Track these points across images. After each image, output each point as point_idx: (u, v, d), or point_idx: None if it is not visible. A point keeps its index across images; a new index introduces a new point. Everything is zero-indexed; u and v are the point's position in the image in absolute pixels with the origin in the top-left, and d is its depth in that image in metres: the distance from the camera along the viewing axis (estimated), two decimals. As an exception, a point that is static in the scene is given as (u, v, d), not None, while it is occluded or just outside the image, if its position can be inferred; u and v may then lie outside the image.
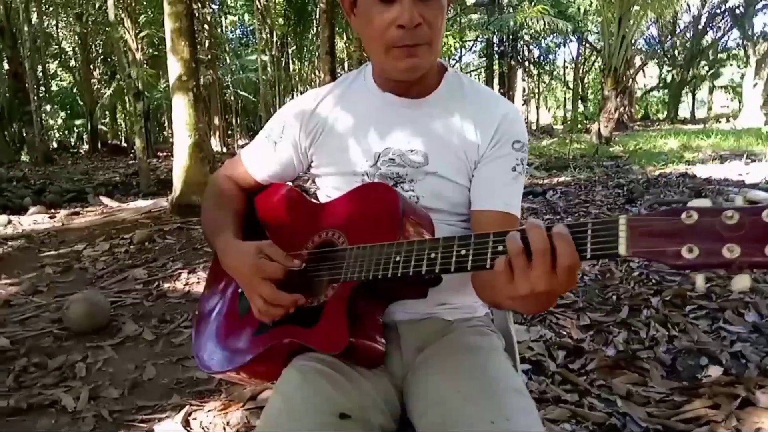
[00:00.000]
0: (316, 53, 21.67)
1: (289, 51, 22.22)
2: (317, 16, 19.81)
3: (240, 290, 1.08)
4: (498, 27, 17.92)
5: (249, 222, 1.16)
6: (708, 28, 27.31)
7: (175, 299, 3.47)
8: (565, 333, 2.62)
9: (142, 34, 12.67)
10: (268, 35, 20.29)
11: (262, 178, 1.18)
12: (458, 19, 18.83)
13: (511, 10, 18.69)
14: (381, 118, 1.07)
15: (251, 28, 26.88)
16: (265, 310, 0.94)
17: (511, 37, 21.32)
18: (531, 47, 27.51)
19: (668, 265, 0.63)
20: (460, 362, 0.95)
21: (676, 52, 29.60)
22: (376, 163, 1.06)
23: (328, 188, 1.12)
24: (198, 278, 3.86)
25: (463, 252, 0.79)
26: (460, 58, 25.33)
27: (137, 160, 9.28)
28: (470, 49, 24.83)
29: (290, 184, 1.20)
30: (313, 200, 1.12)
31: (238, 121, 24.71)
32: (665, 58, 30.37)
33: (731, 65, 33.74)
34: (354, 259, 0.91)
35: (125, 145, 21.69)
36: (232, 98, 22.07)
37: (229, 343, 1.06)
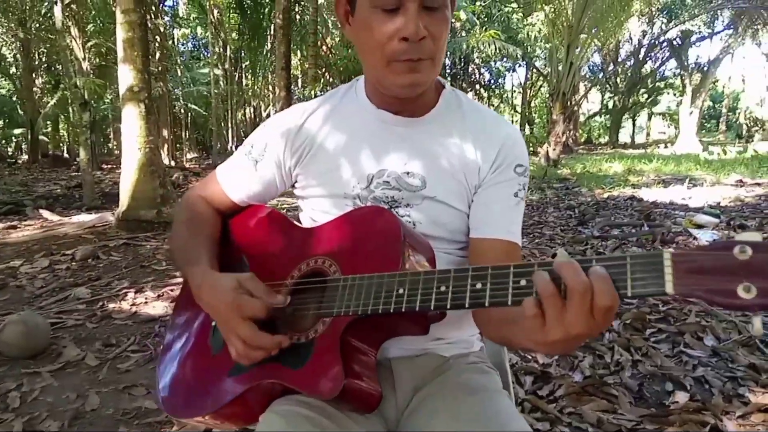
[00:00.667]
0: (271, 69, 21.52)
1: (243, 66, 21.93)
2: (272, 32, 19.72)
3: (213, 323, 0.97)
4: (451, 50, 18.21)
5: (222, 247, 1.06)
6: (647, 58, 28.56)
7: (121, 321, 3.25)
8: (530, 357, 2.59)
9: (89, 44, 12.23)
10: (221, 49, 20.02)
11: (239, 199, 1.07)
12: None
13: (464, 34, 19.05)
14: (375, 138, 0.99)
15: (203, 41, 26.52)
16: (244, 353, 0.83)
17: (463, 60, 21.71)
18: (482, 71, 28.15)
19: (722, 305, 0.57)
20: (463, 405, 0.87)
21: (617, 79, 30.83)
22: (369, 185, 0.97)
23: (315, 211, 1.02)
24: (146, 298, 3.66)
25: (479, 286, 0.71)
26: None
27: (81, 172, 8.85)
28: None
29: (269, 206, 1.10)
30: (298, 224, 1.03)
31: (188, 134, 24.13)
32: (607, 85, 31.58)
33: (668, 93, 35.47)
34: (349, 291, 0.82)
35: (68, 156, 20.80)
36: (182, 111, 21.55)
37: (199, 384, 0.94)
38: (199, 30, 25.04)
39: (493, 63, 26.08)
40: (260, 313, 0.83)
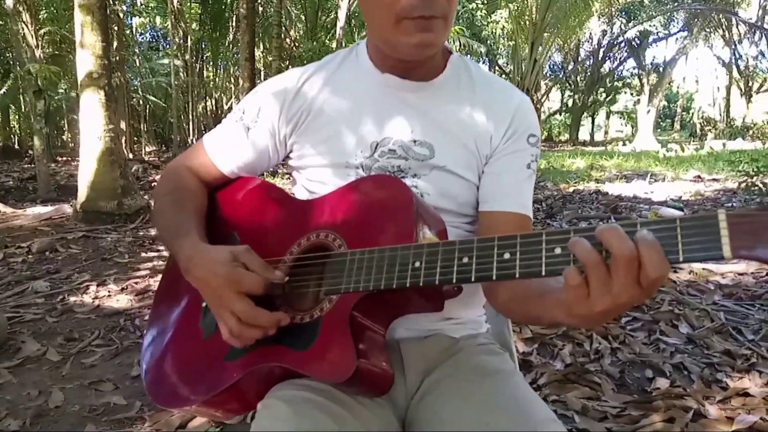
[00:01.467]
0: (233, 60, 21.11)
1: (204, 57, 21.46)
2: (234, 23, 19.34)
3: (204, 304, 0.89)
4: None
5: (210, 222, 0.97)
6: (606, 58, 29.18)
7: (83, 315, 3.10)
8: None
9: (42, 31, 11.72)
10: (182, 40, 19.53)
11: (229, 170, 0.99)
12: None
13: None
14: (379, 103, 0.92)
15: (162, 31, 25.85)
16: (238, 331, 0.75)
17: (427, 55, 21.74)
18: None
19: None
20: (479, 389, 0.82)
21: (577, 78, 31.41)
22: (373, 154, 0.91)
23: (312, 183, 0.95)
24: (109, 291, 3.50)
25: (507, 256, 0.66)
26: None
27: (35, 164, 8.49)
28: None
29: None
30: (295, 197, 0.95)
31: (146, 127, 23.47)
32: (568, 84, 32.17)
33: (626, 92, 36.31)
34: (358, 266, 0.75)
35: (19, 147, 19.98)
36: (141, 103, 20.95)
37: (191, 370, 0.86)
38: (158, 20, 24.38)
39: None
40: (257, 288, 0.75)
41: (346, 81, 0.95)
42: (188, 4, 19.30)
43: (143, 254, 4.48)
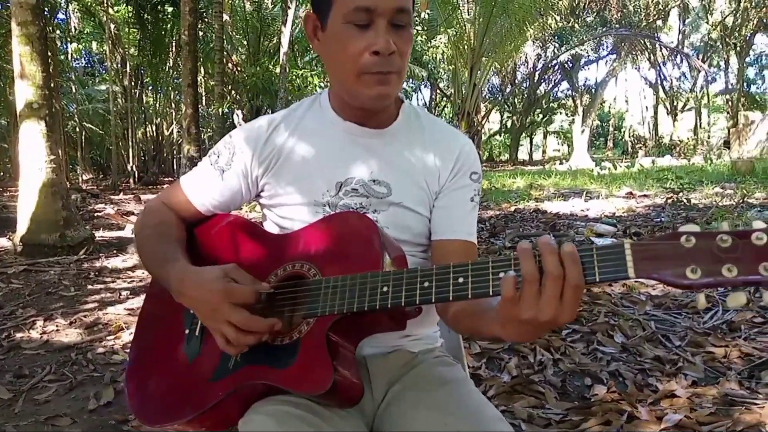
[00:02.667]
0: (172, 85, 20.84)
1: (143, 82, 21.08)
2: (174, 48, 19.15)
3: (186, 331, 0.98)
4: (359, 69, 18.46)
5: (189, 255, 1.06)
6: (542, 80, 30.42)
7: (32, 350, 3.05)
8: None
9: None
10: (120, 65, 19.16)
11: (205, 209, 1.09)
12: (321, 61, 19.15)
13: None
14: (343, 148, 1.04)
15: (99, 57, 25.26)
16: (236, 338, 0.85)
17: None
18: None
19: (674, 285, 0.68)
20: (437, 395, 0.94)
21: (515, 100, 32.56)
22: (338, 192, 1.03)
23: (283, 219, 1.06)
24: (57, 326, 3.44)
25: (461, 280, 0.79)
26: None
27: (-35, 196, 8.15)
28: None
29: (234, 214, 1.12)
30: (268, 231, 1.06)
31: (82, 154, 22.79)
32: (506, 105, 33.29)
33: (561, 113, 37.88)
34: (332, 292, 0.86)
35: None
36: (77, 130, 20.35)
37: (178, 391, 0.95)
38: (94, 45, 23.85)
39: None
40: (250, 299, 0.86)
41: (312, 128, 1.07)
42: (126, 29, 19.01)
43: (90, 287, 4.40)
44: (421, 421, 0.89)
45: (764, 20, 24.79)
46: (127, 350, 2.98)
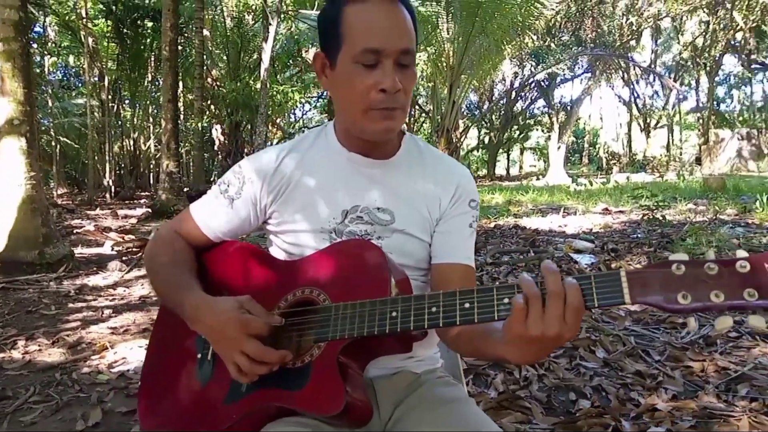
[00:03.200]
0: (150, 100, 20.73)
1: (121, 96, 20.92)
2: (152, 63, 19.09)
3: (199, 356, 1.02)
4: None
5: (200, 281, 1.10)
6: (519, 97, 30.91)
7: (14, 371, 3.01)
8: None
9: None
10: (98, 79, 19.01)
11: (215, 236, 1.13)
12: (302, 76, 19.26)
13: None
14: (349, 177, 1.10)
15: (75, 70, 25.03)
16: (249, 368, 0.89)
17: (350, 95, 22.19)
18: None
19: (666, 310, 0.74)
20: (442, 414, 0.99)
21: (492, 116, 33.01)
22: (344, 220, 1.08)
23: (290, 245, 1.11)
24: (39, 345, 3.41)
25: (467, 305, 0.84)
26: (303, 114, 25.81)
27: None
28: (314, 106, 25.40)
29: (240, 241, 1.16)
30: (278, 258, 1.10)
31: (57, 168, 22.45)
32: (483, 122, 33.72)
33: (537, 130, 38.46)
34: (343, 317, 0.91)
35: None
36: (52, 144, 20.07)
37: (193, 413, 0.98)
38: (71, 58, 23.64)
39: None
40: (264, 331, 0.90)
41: (319, 158, 1.12)
42: (105, 43, 18.91)
43: (71, 305, 4.36)
44: None
45: (732, 42, 25.60)
46: (113, 370, 2.99)
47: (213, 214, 1.13)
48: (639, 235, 6.38)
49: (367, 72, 0.98)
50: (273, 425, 0.94)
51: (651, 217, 7.16)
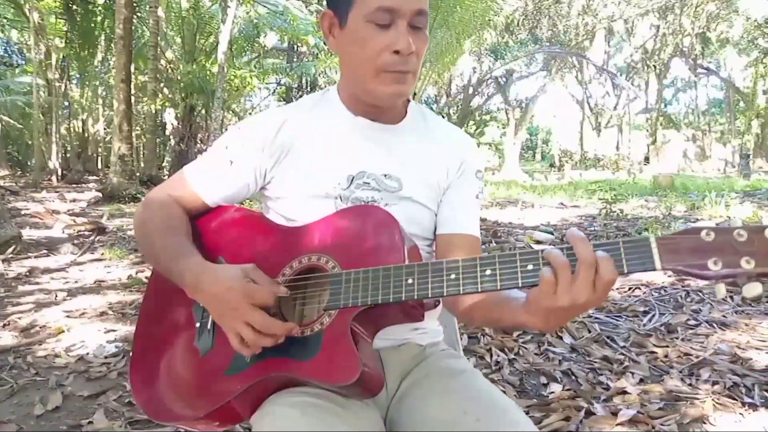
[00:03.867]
0: (99, 81, 19.96)
1: (69, 75, 20.05)
2: (102, 42, 18.34)
3: (198, 325, 0.96)
4: (299, 73, 18.37)
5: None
6: (476, 93, 31.23)
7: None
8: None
9: None
10: (43, 57, 18.15)
11: (213, 201, 1.07)
12: (260, 61, 18.90)
13: (311, 58, 19.35)
14: (355, 142, 1.06)
15: (18, 47, 23.86)
16: (253, 340, 0.84)
17: (309, 84, 21.99)
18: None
19: (698, 276, 0.74)
20: (454, 385, 0.97)
21: (450, 111, 33.27)
22: (350, 185, 1.04)
23: (291, 211, 1.05)
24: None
25: (488, 272, 0.81)
26: (262, 100, 25.33)
27: None
28: (272, 92, 24.95)
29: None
30: (279, 224, 1.05)
31: (-2, 149, 21.37)
32: (441, 116, 33.90)
33: (493, 125, 39.02)
34: (354, 284, 0.87)
35: None
36: (-7, 123, 19.12)
37: (192, 385, 0.93)
38: (14, 33, 22.49)
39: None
40: (269, 301, 0.86)
41: (323, 121, 1.07)
42: (52, 19, 18.05)
43: (21, 287, 4.16)
44: (440, 409, 0.92)
45: (680, 46, 26.56)
46: (71, 354, 2.86)
47: (211, 178, 1.06)
48: (596, 228, 6.55)
49: (379, 32, 0.94)
50: (278, 396, 0.90)
51: (609, 210, 7.35)
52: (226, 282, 0.87)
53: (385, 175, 1.05)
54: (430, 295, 0.83)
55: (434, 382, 0.98)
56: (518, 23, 25.45)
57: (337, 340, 0.86)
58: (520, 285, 0.79)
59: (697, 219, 7.13)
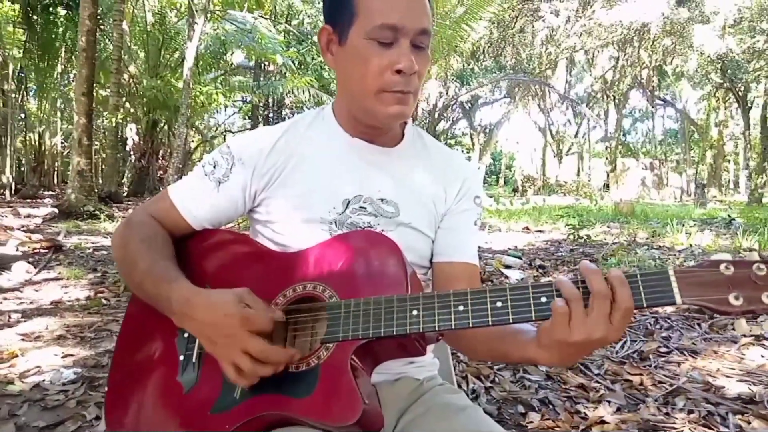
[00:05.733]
0: (58, 93, 19.46)
1: (26, 87, 19.47)
2: (64, 53, 17.90)
3: (181, 357, 0.89)
4: (266, 92, 18.25)
5: None
6: (441, 117, 31.62)
7: None
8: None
9: None
10: None
11: (199, 224, 1.00)
12: (227, 78, 18.73)
13: (278, 77, 19.26)
14: (351, 164, 1.01)
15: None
16: (251, 370, 0.78)
17: (276, 103, 21.88)
18: (295, 115, 28.64)
19: (718, 311, 0.71)
20: (455, 424, 0.91)
21: (416, 134, 33.55)
22: (345, 210, 0.99)
23: (282, 236, 0.99)
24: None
25: (499, 304, 0.78)
26: (227, 118, 25.08)
27: None
28: (239, 110, 24.71)
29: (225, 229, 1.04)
30: (271, 249, 0.99)
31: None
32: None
33: (458, 149, 39.51)
34: (355, 315, 0.82)
35: None
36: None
37: (175, 426, 0.85)
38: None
39: (305, 109, 26.71)
40: (267, 327, 0.80)
41: (318, 142, 1.02)
42: (10, 28, 17.54)
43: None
44: None
45: (638, 78, 27.49)
46: (25, 380, 2.69)
47: (196, 199, 1.00)
48: (563, 253, 6.62)
49: (381, 50, 0.91)
50: (270, 437, 0.83)
51: (576, 236, 7.44)
52: (221, 308, 0.80)
53: (382, 200, 1.01)
54: (437, 329, 0.79)
55: (436, 420, 0.93)
56: (484, 51, 25.97)
57: (336, 375, 0.80)
58: (533, 318, 0.76)
59: (660, 246, 7.27)
